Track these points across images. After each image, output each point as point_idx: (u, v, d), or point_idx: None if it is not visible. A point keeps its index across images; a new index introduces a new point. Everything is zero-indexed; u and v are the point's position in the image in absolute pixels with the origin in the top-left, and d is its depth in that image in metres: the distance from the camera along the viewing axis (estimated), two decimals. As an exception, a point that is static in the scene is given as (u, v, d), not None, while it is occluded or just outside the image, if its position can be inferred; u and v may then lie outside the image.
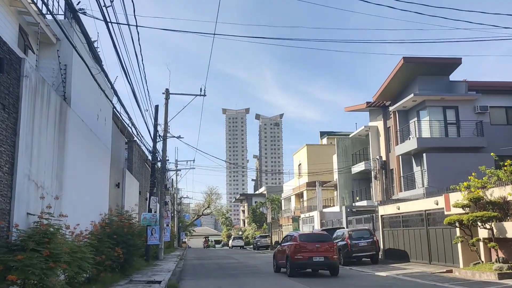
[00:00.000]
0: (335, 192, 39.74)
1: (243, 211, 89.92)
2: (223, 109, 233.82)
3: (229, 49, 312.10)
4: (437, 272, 15.83)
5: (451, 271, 15.56)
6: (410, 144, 25.94)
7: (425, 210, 19.07)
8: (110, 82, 13.75)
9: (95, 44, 15.15)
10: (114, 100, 17.66)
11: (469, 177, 15.42)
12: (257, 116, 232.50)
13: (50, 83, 11.04)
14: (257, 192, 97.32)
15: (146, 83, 15.79)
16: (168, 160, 26.66)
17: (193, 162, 74.19)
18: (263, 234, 51.69)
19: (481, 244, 15.11)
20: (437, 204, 17.82)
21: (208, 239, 71.67)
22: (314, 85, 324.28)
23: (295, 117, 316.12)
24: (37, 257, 6.70)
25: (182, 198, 68.46)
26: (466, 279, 13.72)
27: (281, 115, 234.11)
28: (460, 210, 15.28)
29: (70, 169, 11.36)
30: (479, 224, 14.24)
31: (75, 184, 11.86)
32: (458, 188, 15.80)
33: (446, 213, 16.63)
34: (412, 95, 26.00)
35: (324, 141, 50.21)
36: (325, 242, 16.48)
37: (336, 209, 36.16)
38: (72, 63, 11.86)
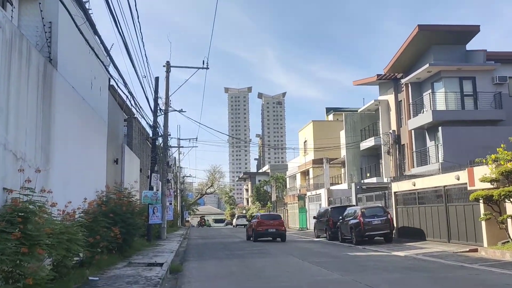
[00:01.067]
0: (343, 169, 38.59)
1: (247, 190, 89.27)
2: (225, 88, 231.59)
3: (231, 28, 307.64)
4: (460, 252, 14.71)
5: (475, 250, 14.44)
6: (425, 118, 24.58)
7: (444, 186, 17.87)
8: (105, 47, 12.38)
9: (87, 6, 13.76)
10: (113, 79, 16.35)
11: (497, 149, 14.12)
12: (260, 95, 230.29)
13: (33, 42, 9.72)
14: (260, 170, 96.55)
15: (143, 46, 14.39)
16: (169, 135, 25.41)
17: (196, 141, 72.83)
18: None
19: (509, 221, 13.92)
20: (458, 179, 16.59)
21: (204, 218, 71.13)
22: (316, 63, 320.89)
23: (298, 95, 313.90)
24: (9, 240, 5.51)
25: (185, 177, 67.56)
26: (496, 259, 12.58)
27: (284, 94, 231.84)
28: (487, 185, 14.05)
29: (59, 140, 10.10)
30: (511, 199, 13.02)
31: (65, 158, 10.62)
32: (484, 161, 14.52)
33: (469, 188, 15.41)
34: (427, 65, 24.50)
35: (330, 117, 48.84)
36: (277, 219, 25.14)
37: (344, 186, 35.08)
38: (58, 21, 10.47)
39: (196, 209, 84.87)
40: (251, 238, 24.65)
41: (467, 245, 15.77)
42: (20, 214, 6.29)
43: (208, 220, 73.46)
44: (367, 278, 9.56)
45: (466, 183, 15.78)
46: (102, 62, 12.54)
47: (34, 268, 6.14)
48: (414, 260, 13.41)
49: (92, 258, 9.85)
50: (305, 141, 45.06)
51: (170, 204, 32.74)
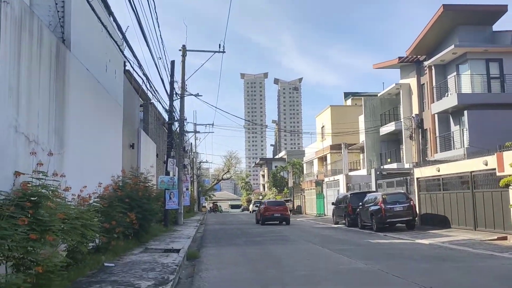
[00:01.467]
0: (361, 155, 37.91)
1: (263, 176, 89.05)
2: (241, 73, 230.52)
3: (248, 13, 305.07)
4: (488, 240, 14.13)
5: (504, 238, 13.85)
6: (449, 101, 23.72)
7: (471, 172, 17.19)
8: (119, 25, 12.01)
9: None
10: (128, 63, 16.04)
11: (530, 132, 13.39)
12: (276, 81, 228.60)
13: (46, 22, 9.37)
14: (276, 156, 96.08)
15: (158, 27, 13.95)
16: (186, 119, 25.09)
17: (212, 127, 72.95)
18: (285, 199, 50.53)
19: (542, 209, 13.25)
20: (486, 164, 15.90)
21: (216, 204, 71.54)
22: (333, 48, 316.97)
23: (314, 81, 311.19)
24: (19, 225, 5.20)
25: (202, 163, 67.58)
26: (527, 249, 11.98)
27: (300, 79, 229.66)
28: (519, 170, 13.36)
29: (73, 123, 9.81)
30: (545, 186, 12.35)
31: (80, 141, 10.35)
32: (516, 145, 13.82)
33: (498, 174, 14.72)
34: (452, 46, 23.54)
35: (349, 102, 47.92)
36: (281, 205, 28.65)
37: (362, 172, 34.45)
38: (71, 0, 10.08)
39: (213, 195, 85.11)
40: (259, 222, 27.56)
41: (495, 233, 15.16)
42: (31, 198, 5.99)
43: (220, 206, 73.61)
44: (393, 268, 9.11)
45: (494, 169, 15.07)
46: (115, 42, 12.15)
47: (46, 255, 5.86)
48: (440, 248, 12.89)
49: (108, 243, 9.62)
50: (323, 126, 44.37)
51: (187, 189, 32.63)
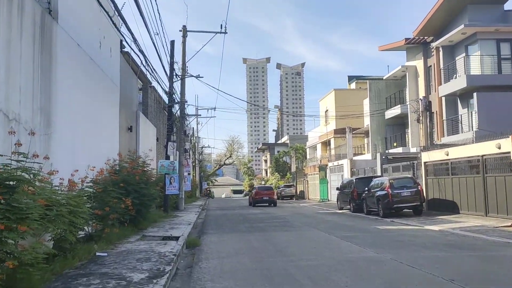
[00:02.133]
0: (366, 139, 37.20)
1: (265, 161, 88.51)
2: (243, 58, 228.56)
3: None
4: (501, 226, 13.48)
5: (520, 225, 13.19)
6: (458, 83, 22.90)
7: (482, 155, 16.48)
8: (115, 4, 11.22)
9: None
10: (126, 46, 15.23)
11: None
12: (278, 66, 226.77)
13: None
14: (279, 141, 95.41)
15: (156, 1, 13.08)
16: (186, 102, 24.34)
17: (214, 110, 72.32)
18: (288, 184, 49.98)
19: (560, 194, 12.58)
20: (499, 148, 15.20)
21: (210, 190, 71.55)
22: (336, 33, 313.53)
23: (317, 66, 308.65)
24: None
25: (204, 148, 67.01)
26: (546, 236, 11.34)
27: (303, 64, 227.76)
28: (536, 154, 12.67)
29: (62, 102, 9.10)
30: None
31: (70, 121, 9.65)
32: (532, 127, 13.09)
33: (513, 158, 14.05)
34: (462, 26, 22.63)
35: (353, 86, 47.00)
36: (270, 190, 33.04)
37: (367, 157, 33.78)
38: (57, -34, 9.30)
39: (215, 180, 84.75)
40: (251, 204, 32.42)
41: (507, 219, 14.53)
42: (7, 183, 5.32)
43: (213, 192, 73.62)
44: (406, 256, 8.50)
45: (508, 152, 14.42)
46: (107, 13, 11.34)
47: (24, 247, 5.23)
48: (452, 235, 12.25)
49: (101, 231, 9.02)
50: (326, 110, 43.55)
51: (188, 174, 32.05)
